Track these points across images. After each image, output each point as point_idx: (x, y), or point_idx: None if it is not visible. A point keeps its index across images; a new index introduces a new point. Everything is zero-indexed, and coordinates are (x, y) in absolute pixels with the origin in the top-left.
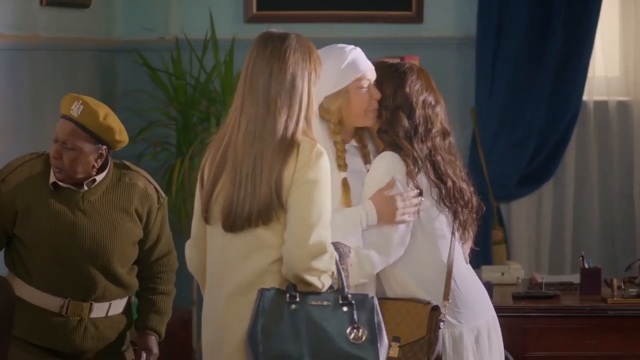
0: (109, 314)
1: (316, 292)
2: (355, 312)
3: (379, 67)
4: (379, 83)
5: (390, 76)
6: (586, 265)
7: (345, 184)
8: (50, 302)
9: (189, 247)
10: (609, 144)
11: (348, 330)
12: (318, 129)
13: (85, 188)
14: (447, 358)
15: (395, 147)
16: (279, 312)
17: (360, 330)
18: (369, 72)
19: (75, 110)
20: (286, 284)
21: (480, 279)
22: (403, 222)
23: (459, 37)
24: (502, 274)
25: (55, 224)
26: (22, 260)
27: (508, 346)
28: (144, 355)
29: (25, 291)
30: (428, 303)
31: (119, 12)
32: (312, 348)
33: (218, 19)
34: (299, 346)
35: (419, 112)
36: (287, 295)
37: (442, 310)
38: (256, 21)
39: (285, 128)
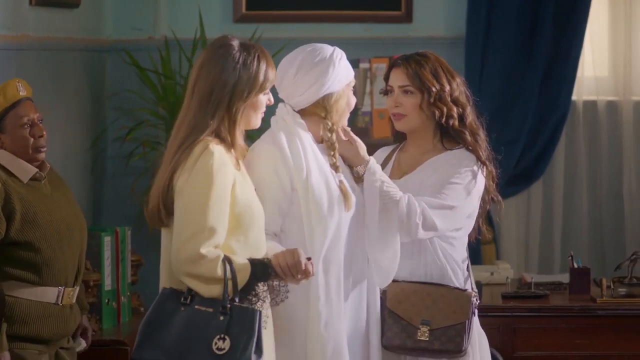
0: (76, 297)
1: (205, 297)
2: (227, 323)
3: (429, 58)
4: (434, 76)
5: (446, 68)
6: (575, 265)
7: (343, 188)
8: (48, 294)
9: None
10: (598, 143)
11: (215, 340)
12: (300, 132)
13: (44, 175)
14: (473, 348)
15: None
16: (167, 312)
17: (226, 342)
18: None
19: (23, 90)
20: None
21: None
22: None
23: (448, 37)
24: (492, 273)
25: (53, 216)
26: (21, 262)
27: (497, 346)
28: (84, 340)
29: (21, 291)
30: (465, 290)
31: (107, 12)
32: (180, 352)
33: (207, 18)
34: (169, 348)
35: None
36: (182, 296)
37: (474, 299)
38: (245, 21)
39: (190, 131)
